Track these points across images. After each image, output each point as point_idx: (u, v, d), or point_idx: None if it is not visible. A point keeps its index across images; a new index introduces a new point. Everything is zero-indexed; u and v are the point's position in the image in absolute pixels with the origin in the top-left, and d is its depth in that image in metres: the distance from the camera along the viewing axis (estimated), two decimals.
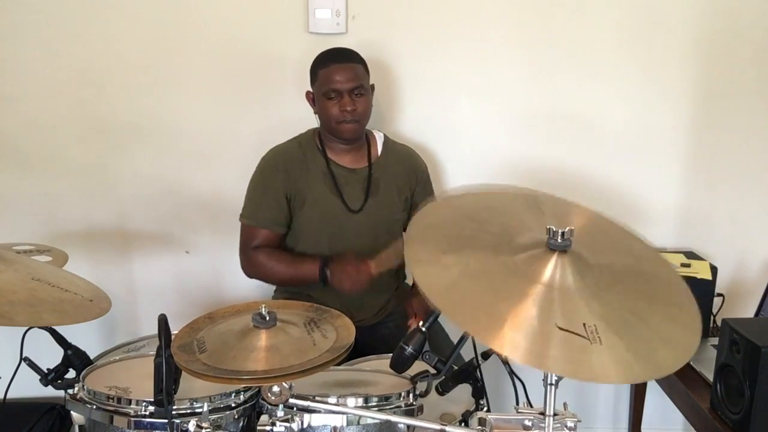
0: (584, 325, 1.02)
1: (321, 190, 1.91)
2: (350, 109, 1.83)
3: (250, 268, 1.94)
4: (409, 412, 1.33)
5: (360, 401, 1.32)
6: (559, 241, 1.13)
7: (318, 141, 1.95)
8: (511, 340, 0.99)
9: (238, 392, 1.37)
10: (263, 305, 1.25)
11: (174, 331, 1.27)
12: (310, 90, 1.93)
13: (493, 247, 1.17)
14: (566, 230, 1.13)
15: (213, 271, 2.31)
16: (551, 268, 1.10)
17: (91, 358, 1.49)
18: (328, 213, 1.90)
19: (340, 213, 1.91)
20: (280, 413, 1.23)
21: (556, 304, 1.06)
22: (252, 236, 1.92)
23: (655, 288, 1.18)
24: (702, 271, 2.03)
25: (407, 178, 2.00)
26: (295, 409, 1.26)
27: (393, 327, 2.02)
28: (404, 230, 2.09)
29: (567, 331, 1.01)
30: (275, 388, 1.18)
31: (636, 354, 1.04)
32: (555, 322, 1.02)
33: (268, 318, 1.23)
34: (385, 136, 2.03)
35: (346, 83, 1.83)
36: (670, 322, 1.11)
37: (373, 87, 1.95)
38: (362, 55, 1.93)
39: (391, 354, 1.29)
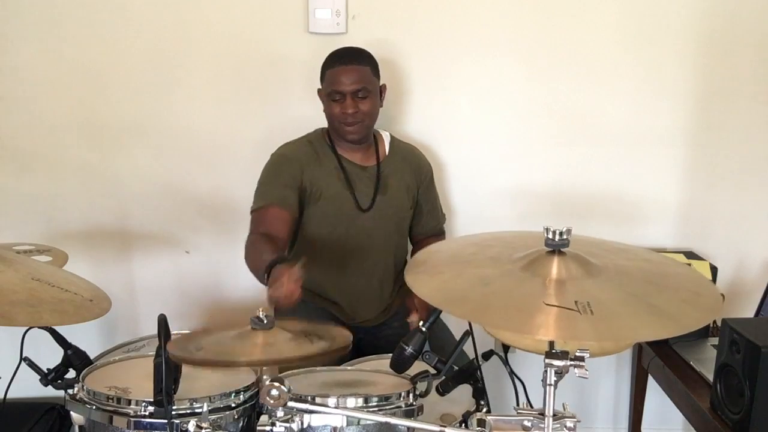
0: (576, 302, 1.03)
1: (336, 186, 1.91)
2: (351, 112, 1.83)
3: (245, 252, 1.76)
4: (409, 413, 1.33)
5: (360, 401, 1.31)
6: (557, 239, 1.13)
7: (328, 139, 1.96)
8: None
9: (237, 392, 1.37)
10: (260, 309, 1.25)
11: (174, 331, 1.27)
12: (320, 88, 1.92)
13: (490, 260, 1.19)
14: (564, 229, 1.13)
15: (213, 271, 2.31)
16: (554, 266, 1.11)
17: (91, 358, 1.49)
18: (340, 209, 1.91)
19: (351, 210, 1.91)
20: (280, 413, 1.23)
21: (552, 288, 1.08)
22: (260, 220, 1.81)
23: (665, 278, 1.18)
24: (702, 271, 2.03)
25: (414, 176, 2.01)
26: (295, 409, 1.26)
27: (397, 326, 2.02)
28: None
29: (556, 306, 1.02)
30: (273, 391, 1.18)
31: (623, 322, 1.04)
32: (544, 300, 1.04)
33: (266, 321, 1.23)
34: (390, 135, 2.04)
35: (350, 85, 1.82)
36: (681, 303, 1.10)
37: (384, 87, 1.94)
38: (373, 57, 1.91)
39: (392, 354, 1.30)
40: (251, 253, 1.72)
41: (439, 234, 2.12)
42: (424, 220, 2.07)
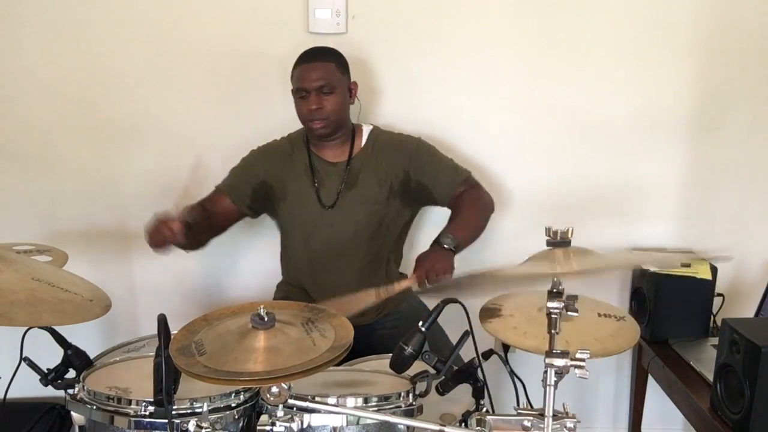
0: None
1: (302, 184, 1.94)
2: (315, 108, 1.85)
3: None
4: (409, 413, 1.33)
5: (360, 401, 1.32)
6: (558, 239, 1.13)
7: (306, 137, 1.99)
8: None
9: (237, 392, 1.37)
10: (261, 306, 1.25)
11: (173, 331, 1.27)
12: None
13: None
14: (566, 229, 1.13)
15: (213, 271, 2.31)
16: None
17: (91, 358, 1.49)
18: (304, 207, 1.93)
19: (315, 208, 1.92)
20: (280, 413, 1.23)
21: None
22: (211, 197, 1.96)
23: None
24: (702, 271, 2.03)
25: (393, 165, 1.95)
26: (294, 409, 1.26)
27: (391, 327, 2.02)
28: (429, 204, 2.04)
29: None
30: (274, 389, 1.18)
31: None
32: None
33: (266, 319, 1.23)
34: (374, 127, 2.02)
35: (312, 82, 1.84)
36: None
37: (355, 85, 1.94)
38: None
39: (391, 354, 1.30)
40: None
41: (466, 184, 1.97)
42: (439, 186, 1.95)
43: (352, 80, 1.94)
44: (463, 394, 1.41)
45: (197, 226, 1.76)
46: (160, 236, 1.70)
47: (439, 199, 1.98)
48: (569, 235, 1.14)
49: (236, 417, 1.36)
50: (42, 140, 2.21)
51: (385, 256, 2.03)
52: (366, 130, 2.01)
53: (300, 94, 1.87)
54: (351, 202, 1.93)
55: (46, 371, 1.42)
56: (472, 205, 1.91)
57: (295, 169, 1.95)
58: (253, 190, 1.95)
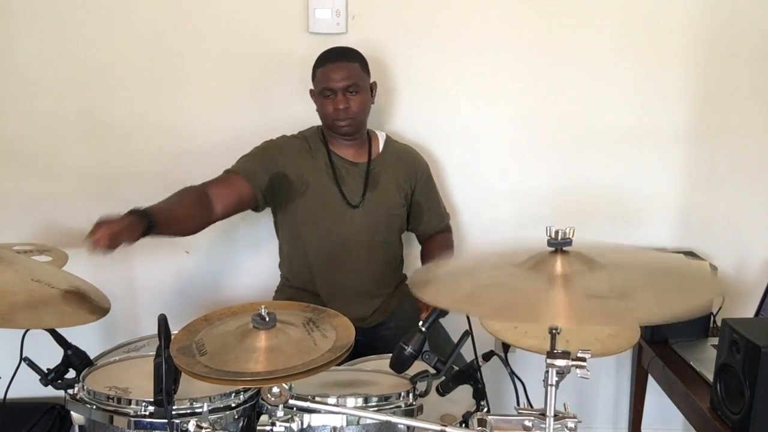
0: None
1: (323, 180, 1.93)
2: (343, 107, 1.87)
3: None
4: (409, 413, 1.33)
5: (360, 401, 1.31)
6: (559, 239, 1.13)
7: (321, 135, 1.99)
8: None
9: (237, 392, 1.37)
10: (262, 306, 1.25)
11: (174, 331, 1.27)
12: (312, 89, 1.95)
13: (496, 267, 1.19)
14: (567, 229, 1.13)
15: (213, 271, 2.31)
16: (558, 264, 1.10)
17: (91, 358, 1.49)
18: (326, 204, 1.92)
19: (339, 205, 1.92)
20: (280, 413, 1.23)
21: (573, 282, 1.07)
22: (218, 179, 1.87)
23: (667, 270, 1.20)
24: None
25: (407, 174, 2.02)
26: (294, 409, 1.26)
27: (394, 327, 2.02)
28: (407, 229, 2.09)
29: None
30: (275, 389, 1.18)
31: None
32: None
33: (267, 319, 1.23)
34: (387, 135, 2.05)
35: (340, 82, 1.86)
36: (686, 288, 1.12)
37: (375, 85, 1.97)
38: (362, 54, 1.93)
39: (391, 354, 1.30)
40: (171, 195, 1.76)
41: (445, 230, 2.13)
42: (427, 217, 2.08)
43: (372, 80, 1.97)
44: (463, 394, 1.41)
45: (170, 219, 1.67)
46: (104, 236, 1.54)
47: (421, 228, 2.10)
48: (570, 236, 1.13)
49: (236, 417, 1.36)
50: (42, 140, 2.21)
51: (394, 258, 2.06)
52: (381, 136, 2.04)
53: (325, 93, 1.88)
54: (373, 203, 1.95)
55: (46, 371, 1.42)
56: (449, 248, 2.10)
57: (315, 165, 1.94)
58: (270, 179, 1.90)
